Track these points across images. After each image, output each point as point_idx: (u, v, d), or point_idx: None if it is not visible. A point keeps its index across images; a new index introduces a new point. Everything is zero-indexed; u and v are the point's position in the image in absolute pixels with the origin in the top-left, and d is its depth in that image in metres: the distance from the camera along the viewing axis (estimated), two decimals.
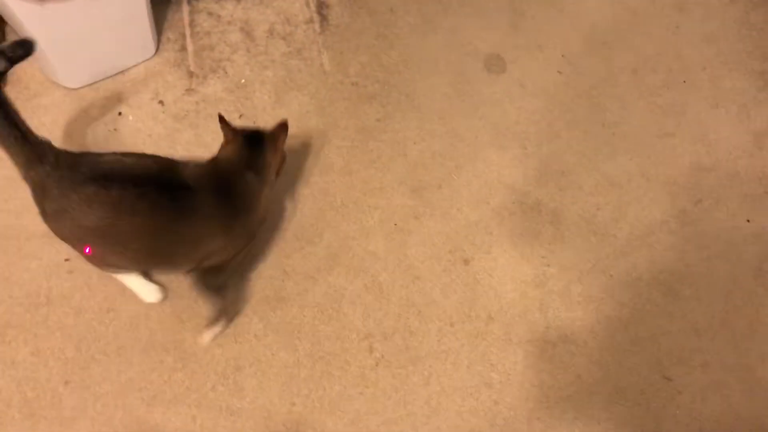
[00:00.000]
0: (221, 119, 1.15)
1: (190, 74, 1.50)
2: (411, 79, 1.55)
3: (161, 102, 1.46)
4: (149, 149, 1.39)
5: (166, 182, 1.05)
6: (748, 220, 1.40)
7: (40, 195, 1.03)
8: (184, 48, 1.53)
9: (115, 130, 1.42)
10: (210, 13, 1.59)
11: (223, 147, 1.17)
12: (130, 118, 1.43)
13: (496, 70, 1.58)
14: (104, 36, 1.40)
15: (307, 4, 1.63)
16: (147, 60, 1.50)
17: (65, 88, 1.45)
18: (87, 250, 1.07)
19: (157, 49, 1.52)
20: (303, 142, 1.44)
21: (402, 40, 1.60)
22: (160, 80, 1.48)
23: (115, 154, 1.08)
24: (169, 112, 1.44)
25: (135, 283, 1.24)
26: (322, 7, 1.63)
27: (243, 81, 1.50)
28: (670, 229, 1.39)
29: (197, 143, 1.41)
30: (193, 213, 1.06)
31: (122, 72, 1.48)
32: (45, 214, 1.04)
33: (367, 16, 1.63)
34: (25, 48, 1.03)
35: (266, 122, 1.44)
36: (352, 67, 1.55)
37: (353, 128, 1.47)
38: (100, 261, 1.14)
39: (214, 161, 1.14)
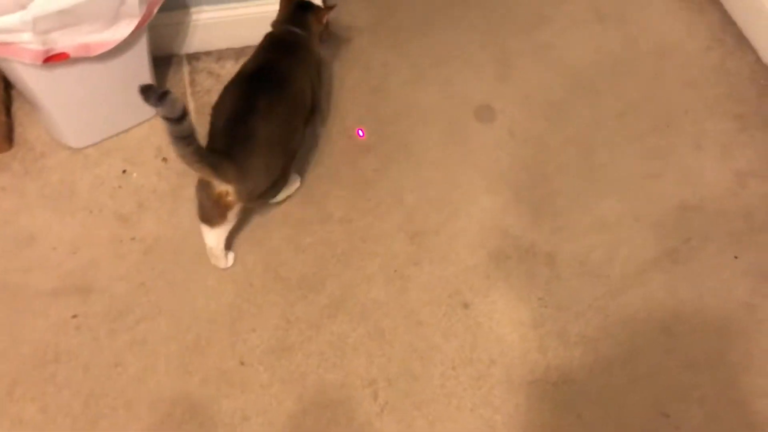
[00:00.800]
0: None
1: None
2: (405, 129, 1.60)
3: (164, 159, 1.50)
4: (153, 205, 1.44)
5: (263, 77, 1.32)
6: (736, 257, 1.45)
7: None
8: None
9: (119, 187, 1.46)
10: (210, 72, 1.65)
11: (277, 18, 1.45)
12: (134, 175, 1.48)
13: (486, 119, 1.64)
14: (108, 97, 1.45)
15: None
16: (150, 118, 1.56)
17: (70, 148, 1.50)
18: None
19: None
20: (303, 192, 1.48)
21: (396, 93, 1.66)
22: (163, 138, 1.53)
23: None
24: (173, 168, 1.49)
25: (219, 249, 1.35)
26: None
27: None
28: (661, 267, 1.43)
29: None
30: (287, 78, 1.34)
31: (126, 131, 1.53)
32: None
33: (361, 71, 1.70)
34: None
35: None
36: (348, 120, 1.61)
37: (351, 179, 1.52)
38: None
39: (270, 36, 1.44)
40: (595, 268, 1.42)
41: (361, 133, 1.47)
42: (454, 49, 1.76)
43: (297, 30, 1.42)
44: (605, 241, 1.46)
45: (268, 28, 1.46)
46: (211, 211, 1.28)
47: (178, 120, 1.06)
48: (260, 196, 1.33)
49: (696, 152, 1.60)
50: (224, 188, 1.24)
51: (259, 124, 1.25)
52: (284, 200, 1.46)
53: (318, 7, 1.47)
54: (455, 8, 1.85)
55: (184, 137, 1.10)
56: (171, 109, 1.05)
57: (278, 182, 1.36)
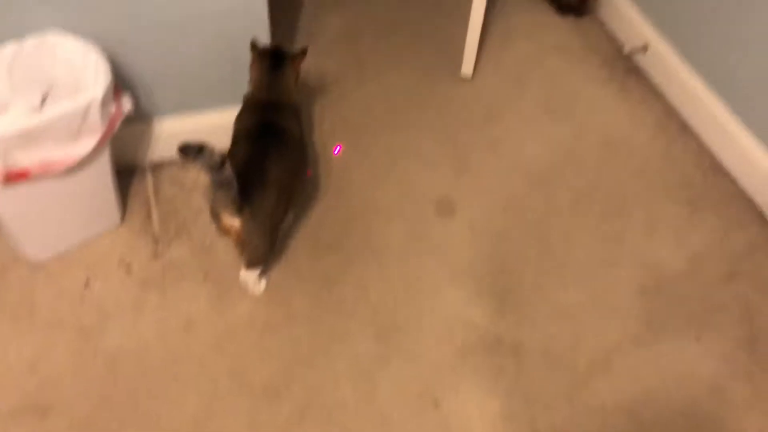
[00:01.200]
0: (252, 45, 1.49)
1: (156, 240, 1.56)
2: (368, 226, 1.64)
3: (128, 269, 1.50)
4: (116, 317, 1.43)
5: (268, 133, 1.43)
6: (698, 339, 1.47)
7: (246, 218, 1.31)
8: (149, 215, 1.61)
9: (81, 299, 1.45)
10: (173, 181, 1.68)
11: (252, 67, 1.51)
12: (97, 287, 1.47)
13: (446, 214, 1.68)
14: (70, 211, 1.47)
15: None
16: (113, 229, 1.57)
17: (31, 262, 1.49)
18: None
19: (123, 218, 1.59)
20: (268, 292, 1.49)
21: (357, 192, 1.71)
22: (126, 248, 1.54)
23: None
24: (136, 278, 1.49)
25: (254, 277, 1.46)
26: None
27: (207, 243, 1.57)
28: (625, 353, 1.44)
29: (164, 307, 1.45)
30: (287, 130, 1.46)
31: (89, 241, 1.54)
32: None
33: (323, 172, 1.74)
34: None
35: (231, 281, 1.50)
36: (312, 220, 1.64)
37: (316, 278, 1.53)
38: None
39: (250, 96, 1.51)
40: (561, 357, 1.43)
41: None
42: (412, 147, 1.82)
43: (275, 99, 1.49)
44: (568, 330, 1.47)
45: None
46: (233, 240, 1.39)
47: (219, 168, 1.17)
48: (260, 239, 1.39)
49: (650, 237, 1.66)
50: (231, 222, 1.32)
51: (272, 167, 1.36)
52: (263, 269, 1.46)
53: (293, 54, 1.52)
54: (411, 110, 1.93)
55: (225, 183, 1.21)
56: (210, 160, 1.14)
57: (274, 233, 1.44)
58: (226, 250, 1.55)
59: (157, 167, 1.71)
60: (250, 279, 1.46)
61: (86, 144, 1.33)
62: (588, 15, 2.28)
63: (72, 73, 1.39)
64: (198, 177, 1.69)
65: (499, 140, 1.86)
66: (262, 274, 1.49)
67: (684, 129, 1.92)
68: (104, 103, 1.30)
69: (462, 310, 1.50)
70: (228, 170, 1.19)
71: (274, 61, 1.49)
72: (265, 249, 1.43)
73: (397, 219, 1.66)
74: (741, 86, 1.76)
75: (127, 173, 1.68)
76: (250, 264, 1.44)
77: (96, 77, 1.33)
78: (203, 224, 1.60)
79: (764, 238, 1.67)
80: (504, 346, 1.44)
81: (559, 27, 2.24)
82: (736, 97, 1.78)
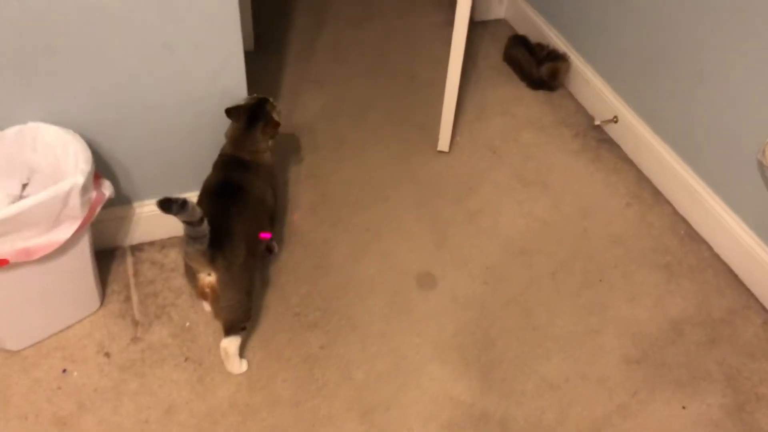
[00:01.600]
0: (226, 111, 1.54)
1: (136, 323, 1.55)
2: (350, 303, 1.63)
3: (107, 354, 1.48)
4: (95, 405, 1.39)
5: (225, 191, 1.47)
6: (684, 407, 1.47)
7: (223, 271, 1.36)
8: (128, 298, 1.59)
9: (59, 388, 1.42)
10: (153, 262, 1.68)
11: (230, 133, 1.56)
12: (75, 374, 1.44)
13: (428, 287, 1.69)
14: (48, 298, 1.45)
15: None
16: (92, 314, 1.55)
17: (7, 350, 1.47)
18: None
19: (102, 302, 1.57)
20: (250, 376, 1.46)
21: (337, 268, 1.71)
22: (105, 332, 1.52)
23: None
24: (115, 363, 1.46)
25: (236, 353, 1.46)
26: None
27: (188, 324, 1.55)
28: (612, 424, 1.43)
29: (144, 392, 1.42)
30: (246, 188, 1.49)
31: (67, 328, 1.52)
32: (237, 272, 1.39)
33: (303, 249, 1.75)
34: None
35: (212, 362, 1.48)
36: (293, 299, 1.63)
37: (298, 358, 1.51)
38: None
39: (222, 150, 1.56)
40: (548, 431, 1.41)
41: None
42: (391, 223, 1.84)
43: (245, 157, 1.54)
44: (555, 402, 1.46)
45: None
46: (210, 301, 1.40)
47: (198, 223, 1.24)
48: (236, 293, 1.41)
49: (631, 305, 1.67)
50: (208, 279, 1.35)
51: (235, 222, 1.40)
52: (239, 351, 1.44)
53: (271, 119, 1.56)
54: (390, 185, 1.96)
55: (200, 237, 1.27)
56: (192, 215, 1.21)
57: (250, 294, 1.46)
58: (206, 331, 1.54)
59: (137, 249, 1.71)
60: (232, 348, 1.44)
61: (66, 230, 1.33)
62: (559, 90, 2.37)
63: (53, 160, 1.41)
64: (178, 258, 1.69)
65: (478, 212, 1.89)
66: (242, 351, 1.47)
67: (657, 196, 1.97)
68: (85, 190, 1.31)
69: (447, 386, 1.48)
70: (206, 225, 1.25)
71: (249, 117, 1.54)
72: (242, 306, 1.43)
73: (378, 294, 1.66)
74: (706, 155, 1.81)
75: (106, 256, 1.67)
76: (230, 326, 1.42)
77: (76, 164, 1.34)
78: (183, 306, 1.59)
79: (742, 303, 1.69)
80: (491, 421, 1.42)
81: (532, 101, 2.32)
82: (703, 165, 1.83)
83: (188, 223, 1.23)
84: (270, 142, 1.58)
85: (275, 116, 1.58)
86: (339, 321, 1.59)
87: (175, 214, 1.18)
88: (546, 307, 1.65)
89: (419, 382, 1.49)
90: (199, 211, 1.22)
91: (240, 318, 1.44)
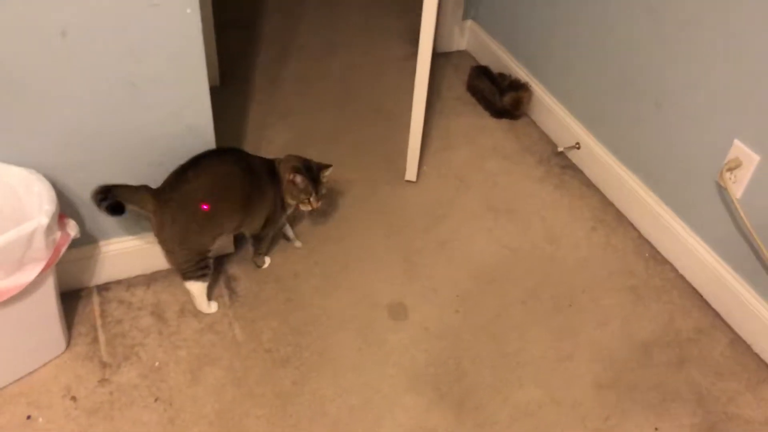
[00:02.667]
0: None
1: (103, 365, 1.51)
2: (321, 337, 1.62)
3: (73, 398, 1.44)
4: None
5: (245, 164, 1.60)
6: (656, 429, 1.48)
7: (158, 215, 1.49)
8: (95, 339, 1.56)
9: None
10: (121, 301, 1.65)
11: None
12: (40, 420, 1.40)
13: (399, 318, 1.68)
14: (11, 342, 1.41)
15: (216, 280, 1.72)
16: (57, 357, 1.51)
17: None
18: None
19: (68, 344, 1.54)
20: (220, 416, 1.44)
21: (308, 302, 1.70)
22: (72, 375, 1.48)
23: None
24: (83, 407, 1.43)
25: (202, 296, 1.62)
26: (229, 281, 1.74)
27: (157, 364, 1.52)
28: None
29: None
30: (259, 183, 1.61)
31: (31, 372, 1.48)
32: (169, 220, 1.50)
33: (273, 283, 1.74)
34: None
35: (183, 402, 1.45)
36: (264, 334, 1.61)
37: (271, 394, 1.49)
38: (213, 227, 1.56)
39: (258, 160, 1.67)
40: None
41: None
42: (361, 254, 1.85)
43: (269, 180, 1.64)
44: (530, 430, 1.46)
45: None
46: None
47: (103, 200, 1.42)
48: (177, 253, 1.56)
49: (600, 329, 1.69)
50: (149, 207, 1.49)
51: (216, 183, 1.53)
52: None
53: (318, 188, 1.67)
54: (359, 216, 1.97)
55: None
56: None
57: (195, 258, 1.56)
58: (176, 370, 1.51)
59: (104, 289, 1.68)
60: (193, 290, 1.60)
61: (30, 272, 1.31)
62: (522, 118, 2.41)
63: (15, 201, 1.38)
64: (145, 297, 1.67)
65: (447, 241, 1.90)
66: (213, 389, 1.45)
67: (621, 220, 2.01)
68: (49, 231, 1.29)
69: (422, 418, 1.47)
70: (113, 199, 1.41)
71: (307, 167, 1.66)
72: (182, 257, 1.55)
73: (350, 326, 1.65)
74: (667, 179, 1.86)
75: (72, 297, 1.64)
76: (176, 270, 1.61)
77: (40, 205, 1.32)
78: (152, 345, 1.56)
79: (708, 323, 1.72)
80: None
81: (496, 130, 2.36)
82: (664, 188, 1.88)
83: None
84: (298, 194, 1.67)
85: (321, 188, 1.68)
86: (311, 356, 1.58)
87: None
88: (517, 334, 1.66)
89: (394, 415, 1.48)
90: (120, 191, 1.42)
91: (182, 268, 1.57)
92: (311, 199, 1.66)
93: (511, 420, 1.48)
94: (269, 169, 1.65)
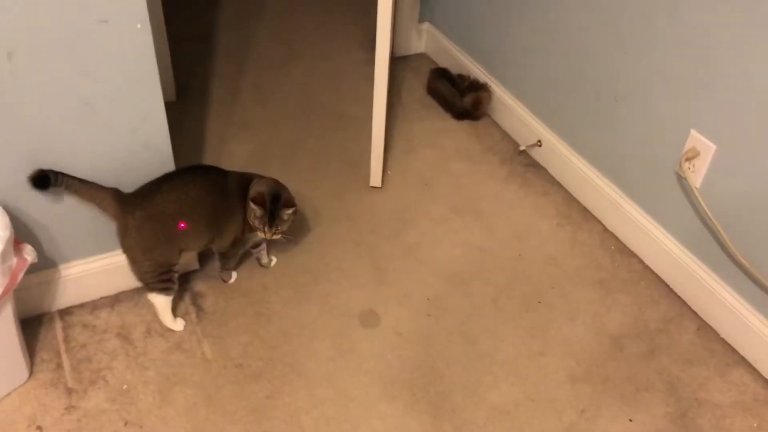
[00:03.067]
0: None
1: (69, 391, 1.47)
2: (293, 349, 1.60)
3: (39, 428, 1.40)
4: None
5: (216, 182, 1.59)
6: (630, 420, 1.49)
7: (123, 222, 1.47)
8: (60, 365, 1.52)
9: None
10: (84, 325, 1.61)
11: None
12: None
13: (371, 325, 1.67)
14: None
15: (181, 297, 1.69)
16: (20, 386, 1.47)
17: None
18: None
19: (31, 372, 1.50)
20: None
21: (279, 314, 1.68)
22: (36, 404, 1.44)
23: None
24: None
25: (170, 316, 1.61)
26: (196, 298, 1.71)
27: (125, 387, 1.49)
28: None
29: None
30: (231, 203, 1.60)
31: None
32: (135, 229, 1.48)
33: (241, 298, 1.71)
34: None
35: (153, 425, 1.42)
36: (234, 350, 1.59)
37: (244, 410, 1.47)
38: (180, 242, 1.55)
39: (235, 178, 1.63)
40: None
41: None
42: (330, 263, 1.83)
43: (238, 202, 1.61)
44: (507, 429, 1.46)
45: None
46: None
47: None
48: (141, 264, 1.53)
49: (571, 324, 1.70)
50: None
51: (184, 198, 1.51)
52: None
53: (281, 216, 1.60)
54: (325, 224, 1.95)
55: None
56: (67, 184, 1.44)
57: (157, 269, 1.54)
58: (146, 391, 1.48)
59: (66, 313, 1.64)
60: (155, 303, 1.59)
61: None
62: (483, 119, 2.42)
63: None
64: (110, 319, 1.63)
65: (415, 245, 1.90)
66: (184, 408, 1.42)
67: (586, 215, 2.03)
68: (4, 257, 1.25)
69: (399, 424, 1.46)
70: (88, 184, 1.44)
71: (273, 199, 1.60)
72: (142, 268, 1.53)
73: (322, 336, 1.64)
74: (628, 172, 1.88)
75: (33, 323, 1.59)
76: (140, 280, 1.56)
77: None
78: (119, 368, 1.52)
79: (675, 312, 1.74)
80: None
81: (458, 132, 2.36)
82: (626, 182, 1.90)
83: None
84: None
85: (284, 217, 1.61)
86: (284, 368, 1.56)
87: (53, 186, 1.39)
88: (490, 333, 1.66)
89: (370, 423, 1.46)
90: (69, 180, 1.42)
91: (144, 279, 1.55)
92: (265, 229, 1.59)
93: (488, 420, 1.48)
94: (245, 188, 1.61)
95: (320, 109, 2.44)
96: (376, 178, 2.08)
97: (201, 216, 1.55)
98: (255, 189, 1.59)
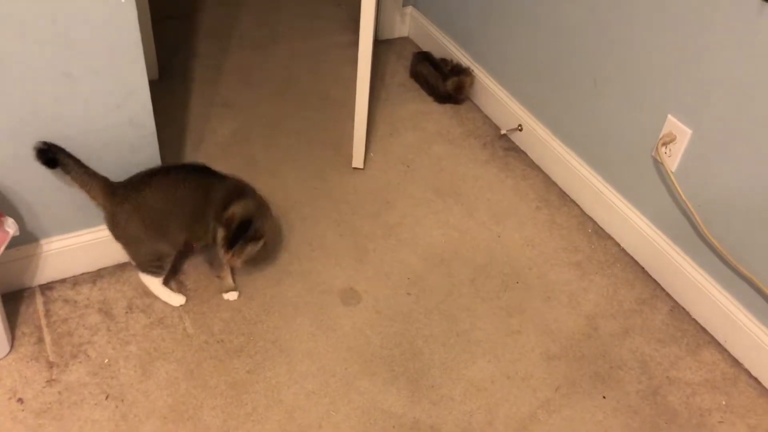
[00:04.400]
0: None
1: (50, 365, 1.48)
2: (275, 326, 1.62)
3: (20, 400, 1.41)
4: None
5: (206, 188, 1.56)
6: (604, 397, 1.53)
7: (111, 212, 1.49)
8: (41, 339, 1.52)
9: None
10: (66, 300, 1.61)
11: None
12: None
13: (352, 303, 1.70)
14: None
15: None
16: (1, 359, 1.47)
17: None
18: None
19: (12, 346, 1.50)
20: (175, 408, 1.42)
21: (260, 292, 1.69)
22: (17, 377, 1.45)
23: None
24: (30, 408, 1.39)
25: (165, 292, 1.63)
26: (178, 274, 1.71)
27: (107, 361, 1.50)
28: (539, 420, 1.48)
29: None
30: (208, 209, 1.54)
31: None
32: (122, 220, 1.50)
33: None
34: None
35: (135, 397, 1.43)
36: (216, 326, 1.60)
37: (225, 385, 1.49)
38: (163, 237, 1.54)
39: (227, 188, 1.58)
40: (478, 430, 1.45)
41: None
42: (311, 241, 1.85)
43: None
44: (483, 404, 1.49)
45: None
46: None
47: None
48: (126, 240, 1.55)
49: (547, 303, 1.73)
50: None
51: (157, 190, 1.50)
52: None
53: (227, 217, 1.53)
54: (307, 204, 1.97)
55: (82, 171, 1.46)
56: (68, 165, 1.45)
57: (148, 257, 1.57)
58: (127, 366, 1.49)
59: (47, 288, 1.64)
60: (148, 285, 1.62)
61: None
62: (465, 102, 2.44)
63: None
64: (91, 294, 1.63)
65: (396, 226, 1.92)
66: (166, 382, 1.44)
67: (565, 198, 2.06)
68: None
69: (377, 399, 1.49)
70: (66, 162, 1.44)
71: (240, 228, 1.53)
72: (132, 251, 1.57)
73: (303, 313, 1.66)
74: (606, 156, 1.92)
75: (14, 298, 1.59)
76: (132, 260, 1.60)
77: None
78: (101, 342, 1.53)
79: (649, 293, 1.79)
80: (422, 429, 1.44)
81: (441, 115, 2.38)
82: (604, 166, 1.94)
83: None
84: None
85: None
86: (264, 344, 1.58)
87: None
88: (468, 312, 1.69)
89: (349, 398, 1.49)
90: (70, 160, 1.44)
91: (136, 260, 1.57)
92: (223, 251, 1.53)
93: (465, 396, 1.51)
94: (229, 201, 1.54)
95: (303, 90, 2.44)
96: (358, 160, 2.09)
97: (180, 217, 1.54)
98: (233, 208, 1.52)
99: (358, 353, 1.58)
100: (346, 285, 1.74)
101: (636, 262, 1.87)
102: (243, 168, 2.06)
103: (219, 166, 1.91)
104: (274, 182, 2.02)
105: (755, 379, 1.60)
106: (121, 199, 1.48)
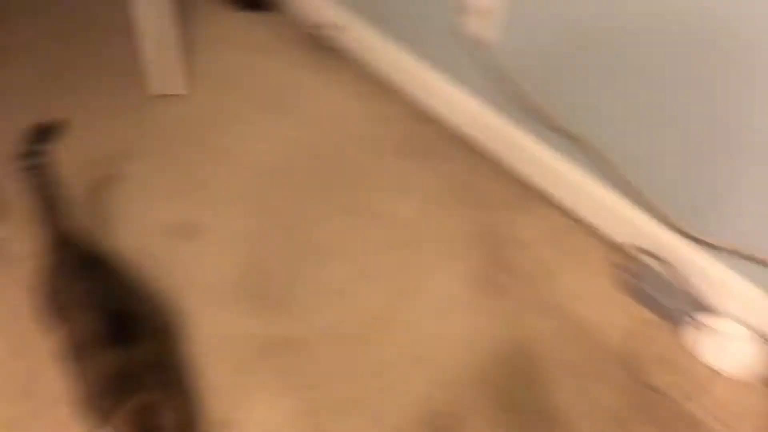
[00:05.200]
0: None
1: None
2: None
3: None
4: None
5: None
6: (455, 259, 1.60)
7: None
8: None
9: None
10: None
11: None
12: None
13: (195, 237, 1.62)
14: None
15: None
16: None
17: None
18: None
19: None
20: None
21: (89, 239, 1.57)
22: None
23: None
24: None
25: None
26: None
27: None
28: (398, 309, 1.51)
29: None
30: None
31: None
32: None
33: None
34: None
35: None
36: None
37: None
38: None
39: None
40: (346, 332, 1.46)
41: None
42: (138, 179, 1.72)
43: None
44: (345, 305, 1.50)
45: None
46: None
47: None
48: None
49: (388, 194, 1.75)
50: None
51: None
52: None
53: None
54: (125, 142, 1.82)
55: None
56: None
57: None
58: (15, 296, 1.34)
59: None
60: None
61: None
62: (275, 10, 2.33)
63: None
64: None
65: (229, 149, 1.84)
66: None
67: (389, 89, 2.06)
68: None
69: (236, 325, 1.45)
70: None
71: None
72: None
73: (142, 258, 1.56)
74: (425, 38, 1.92)
75: None
76: None
77: None
78: None
79: (476, 162, 1.85)
80: (294, 343, 1.42)
81: (255, 28, 2.27)
82: (425, 49, 1.94)
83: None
84: None
85: None
86: None
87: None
88: (314, 221, 1.68)
89: (209, 331, 1.43)
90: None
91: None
92: None
93: (327, 302, 1.50)
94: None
95: (82, 19, 2.21)
96: (175, 86, 1.95)
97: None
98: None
99: (209, 288, 1.50)
100: (184, 219, 1.65)
101: (467, 140, 1.92)
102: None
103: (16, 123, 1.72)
104: (82, 134, 1.84)
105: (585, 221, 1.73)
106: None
